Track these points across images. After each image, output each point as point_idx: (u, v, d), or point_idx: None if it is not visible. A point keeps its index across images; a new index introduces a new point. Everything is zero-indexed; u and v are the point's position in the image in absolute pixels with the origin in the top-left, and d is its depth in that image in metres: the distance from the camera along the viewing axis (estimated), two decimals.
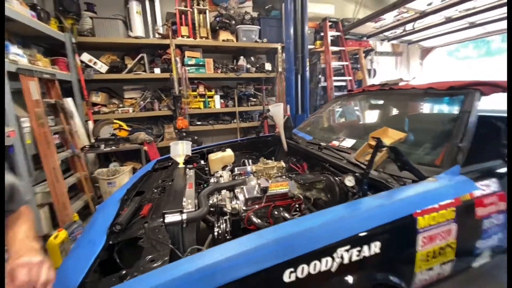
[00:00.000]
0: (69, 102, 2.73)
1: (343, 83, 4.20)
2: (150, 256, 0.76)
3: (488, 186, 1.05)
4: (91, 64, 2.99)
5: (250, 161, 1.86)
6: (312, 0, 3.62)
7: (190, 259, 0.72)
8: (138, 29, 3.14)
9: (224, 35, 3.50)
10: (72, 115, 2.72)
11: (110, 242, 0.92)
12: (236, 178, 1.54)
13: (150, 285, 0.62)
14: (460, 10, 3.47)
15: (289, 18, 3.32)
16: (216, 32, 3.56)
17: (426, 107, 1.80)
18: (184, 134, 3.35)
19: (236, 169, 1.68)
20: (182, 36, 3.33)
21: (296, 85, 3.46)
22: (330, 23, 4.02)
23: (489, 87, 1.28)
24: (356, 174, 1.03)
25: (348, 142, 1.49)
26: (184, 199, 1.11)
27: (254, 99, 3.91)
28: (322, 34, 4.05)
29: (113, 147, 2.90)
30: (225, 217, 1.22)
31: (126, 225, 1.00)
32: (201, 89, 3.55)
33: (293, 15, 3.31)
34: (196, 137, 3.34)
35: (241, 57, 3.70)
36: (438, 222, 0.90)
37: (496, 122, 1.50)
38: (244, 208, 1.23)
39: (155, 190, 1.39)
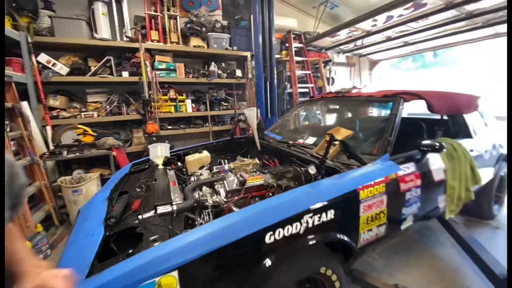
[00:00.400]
0: (24, 105, 2.52)
1: (306, 90, 4.67)
2: (152, 237, 0.88)
3: (408, 168, 1.43)
4: (49, 65, 2.80)
5: (226, 161, 2.02)
6: (277, 13, 3.97)
7: (192, 232, 0.87)
8: (103, 31, 3.04)
9: (195, 41, 3.60)
10: (28, 120, 2.52)
11: (107, 234, 0.99)
12: (215, 175, 1.69)
13: (164, 252, 0.75)
14: (397, 32, 4.23)
15: (257, 29, 3.59)
16: (187, 38, 3.63)
17: (369, 111, 2.23)
18: (154, 138, 3.31)
19: (214, 167, 1.82)
20: (152, 41, 3.33)
21: (265, 91, 3.74)
22: (294, 35, 4.45)
23: (409, 96, 1.71)
24: (316, 163, 1.30)
25: (311, 140, 1.80)
26: (172, 193, 1.24)
27: (226, 104, 4.07)
28: (287, 45, 4.46)
29: (78, 154, 2.75)
30: (207, 211, 1.37)
31: (120, 218, 1.09)
32: (172, 93, 3.55)
33: (261, 26, 3.61)
34: (167, 141, 3.34)
35: (213, 63, 3.84)
36: (374, 194, 1.22)
37: (419, 122, 1.97)
38: (225, 200, 1.39)
39: (139, 190, 1.46)
